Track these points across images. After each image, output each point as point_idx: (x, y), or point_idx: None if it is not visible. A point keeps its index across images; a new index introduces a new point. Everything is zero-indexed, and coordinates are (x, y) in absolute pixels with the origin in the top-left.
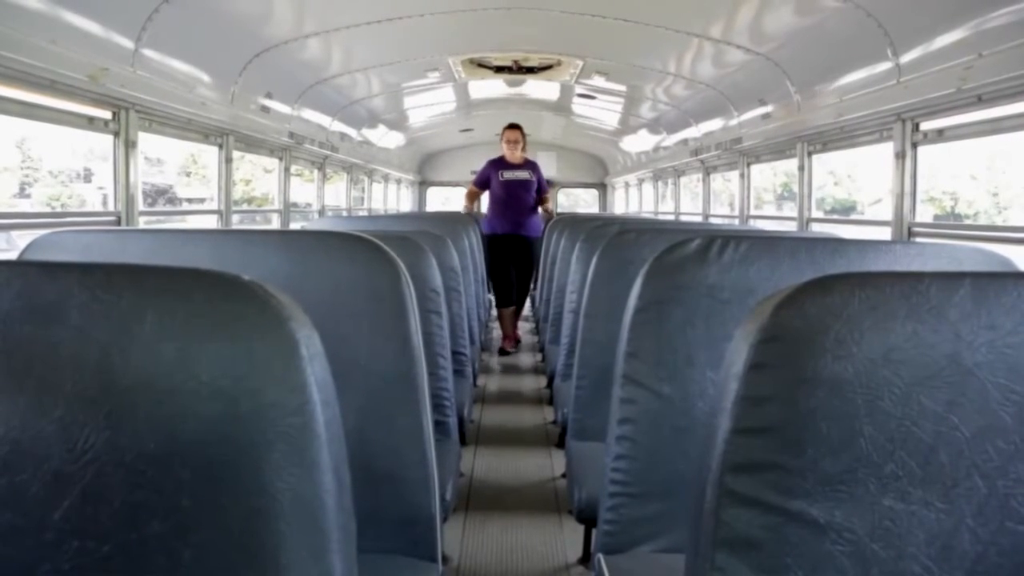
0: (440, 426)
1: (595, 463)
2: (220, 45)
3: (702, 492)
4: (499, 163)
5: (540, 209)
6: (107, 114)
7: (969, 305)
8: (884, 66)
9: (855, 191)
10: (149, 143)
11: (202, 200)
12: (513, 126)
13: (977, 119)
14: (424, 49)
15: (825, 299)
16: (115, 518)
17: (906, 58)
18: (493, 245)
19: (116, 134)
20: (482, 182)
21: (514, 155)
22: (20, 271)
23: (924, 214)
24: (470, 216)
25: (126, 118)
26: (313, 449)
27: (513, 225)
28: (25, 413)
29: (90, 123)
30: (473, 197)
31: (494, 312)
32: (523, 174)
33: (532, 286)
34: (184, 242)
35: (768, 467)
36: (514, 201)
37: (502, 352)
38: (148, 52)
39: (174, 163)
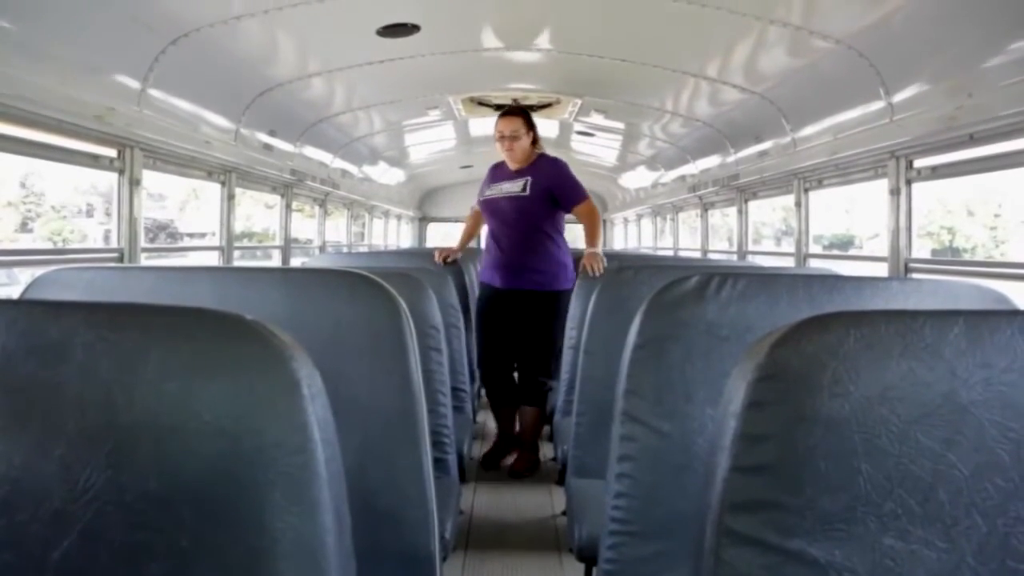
0: (440, 463)
1: (595, 501)
2: (224, 85)
3: (702, 531)
4: (492, 171)
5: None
6: (112, 152)
7: (963, 343)
8: (877, 105)
9: (852, 226)
10: (151, 177)
11: (203, 235)
12: (509, 112)
13: (969, 157)
14: (425, 88)
15: (821, 337)
16: (114, 559)
17: (898, 97)
18: (484, 304)
19: (121, 172)
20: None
21: (513, 158)
22: (26, 310)
23: (922, 249)
24: (455, 264)
25: (131, 156)
26: (314, 488)
27: (507, 272)
28: (27, 452)
29: (95, 161)
30: (474, 224)
31: None
32: (514, 187)
33: (550, 375)
34: (186, 279)
35: (767, 506)
36: (505, 231)
37: (511, 472)
38: (154, 92)
39: (175, 197)
